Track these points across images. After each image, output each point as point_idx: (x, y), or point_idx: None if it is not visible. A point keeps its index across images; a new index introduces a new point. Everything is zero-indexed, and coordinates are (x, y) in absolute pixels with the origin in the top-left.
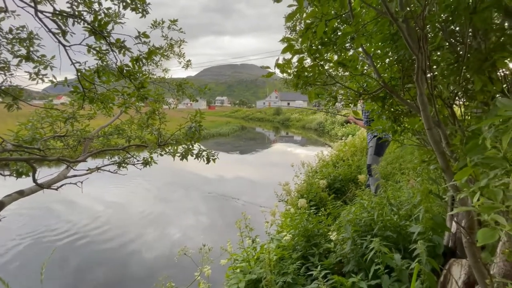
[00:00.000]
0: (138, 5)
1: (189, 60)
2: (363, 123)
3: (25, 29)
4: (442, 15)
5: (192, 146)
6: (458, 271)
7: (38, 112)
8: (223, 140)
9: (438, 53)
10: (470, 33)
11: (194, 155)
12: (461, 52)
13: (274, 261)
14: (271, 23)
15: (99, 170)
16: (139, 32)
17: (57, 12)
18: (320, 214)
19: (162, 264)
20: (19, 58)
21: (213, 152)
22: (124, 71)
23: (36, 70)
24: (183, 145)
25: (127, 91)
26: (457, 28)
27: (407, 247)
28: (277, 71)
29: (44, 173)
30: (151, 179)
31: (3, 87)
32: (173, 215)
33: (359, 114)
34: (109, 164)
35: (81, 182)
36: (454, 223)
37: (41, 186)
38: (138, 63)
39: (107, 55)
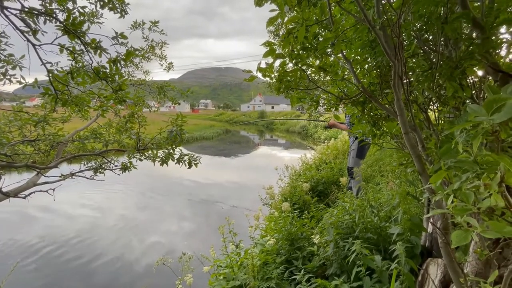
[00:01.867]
0: (116, 5)
1: (171, 63)
2: (347, 126)
3: None
4: (416, 24)
5: (173, 150)
6: (435, 270)
7: (6, 115)
8: (207, 144)
9: (414, 60)
10: (442, 42)
11: (175, 160)
12: (434, 60)
13: (257, 266)
14: (255, 27)
15: (73, 176)
16: (116, 33)
17: (26, 9)
18: (303, 217)
19: (144, 273)
20: None
21: (195, 156)
22: (101, 72)
23: (3, 70)
24: (164, 150)
25: (104, 94)
26: (431, 37)
27: (387, 248)
28: (260, 75)
29: (15, 180)
30: (132, 184)
31: None
32: (156, 221)
33: (341, 117)
34: (85, 170)
35: (53, 189)
36: (430, 224)
37: (6, 195)
38: (115, 65)
39: (83, 56)
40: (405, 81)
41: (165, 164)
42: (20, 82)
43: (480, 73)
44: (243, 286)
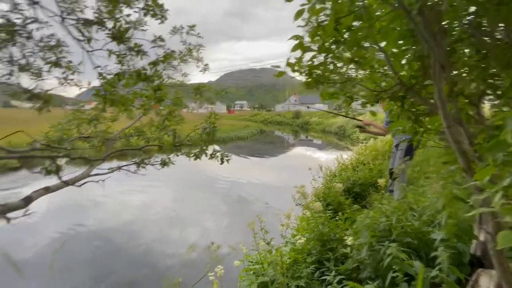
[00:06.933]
0: (157, 12)
1: (206, 64)
2: (384, 125)
3: (54, 37)
4: (466, 8)
5: (207, 147)
6: (487, 282)
7: (67, 115)
8: (242, 144)
9: (460, 47)
10: (502, 27)
11: (209, 156)
12: (487, 47)
13: (287, 264)
14: (290, 27)
15: (120, 170)
16: (155, 36)
17: (81, 20)
18: (337, 218)
19: (178, 264)
20: (49, 65)
21: (226, 153)
22: (142, 74)
23: (64, 75)
24: (198, 146)
25: (145, 94)
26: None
27: (429, 255)
28: (289, 72)
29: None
30: (170, 181)
31: (37, 92)
32: (192, 217)
33: (376, 114)
34: (129, 164)
35: (103, 181)
36: (483, 231)
37: (66, 183)
38: (155, 67)
39: (128, 59)
40: (452, 72)
41: (202, 164)
42: (77, 85)
43: None
44: (272, 282)
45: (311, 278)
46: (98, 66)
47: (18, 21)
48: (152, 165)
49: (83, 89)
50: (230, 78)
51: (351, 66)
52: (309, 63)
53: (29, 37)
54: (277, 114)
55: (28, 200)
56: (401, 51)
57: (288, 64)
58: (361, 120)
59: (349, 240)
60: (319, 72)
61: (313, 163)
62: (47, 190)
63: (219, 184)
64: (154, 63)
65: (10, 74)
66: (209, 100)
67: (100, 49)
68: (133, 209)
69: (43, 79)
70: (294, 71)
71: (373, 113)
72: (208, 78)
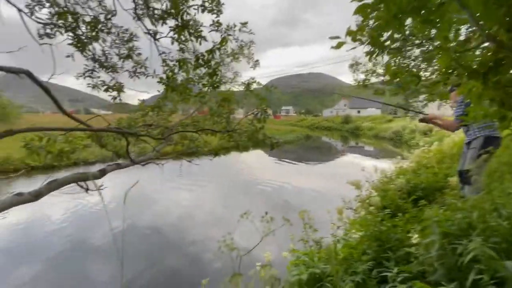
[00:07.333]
0: (214, 8)
1: (257, 60)
2: (455, 121)
3: (128, 32)
4: None
5: (259, 130)
6: None
7: (134, 109)
8: (287, 149)
9: None
10: None
11: (259, 141)
12: None
13: (341, 258)
14: (338, 30)
15: (177, 155)
16: (213, 21)
17: (152, 12)
18: (397, 219)
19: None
20: (122, 59)
21: (276, 138)
22: (200, 60)
23: (134, 69)
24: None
25: (202, 81)
26: None
27: None
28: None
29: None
30: (216, 186)
31: (111, 84)
32: (235, 220)
33: (448, 96)
34: (186, 151)
35: (162, 164)
36: None
37: (133, 161)
38: (212, 54)
39: (188, 45)
40: None
41: (247, 169)
42: (144, 74)
43: None
44: (322, 274)
45: (368, 275)
46: (163, 53)
47: (101, 18)
48: (206, 155)
49: (146, 97)
50: (277, 84)
51: (423, 30)
52: (373, 32)
53: (109, 32)
54: (325, 119)
55: (103, 172)
56: (488, 12)
57: (349, 33)
58: (426, 114)
59: (414, 238)
60: (383, 39)
61: (364, 173)
62: (118, 165)
63: (263, 188)
64: (211, 51)
65: (93, 70)
66: (258, 96)
67: (165, 37)
68: (187, 202)
69: (117, 73)
70: (355, 40)
71: (444, 95)
72: (255, 84)
